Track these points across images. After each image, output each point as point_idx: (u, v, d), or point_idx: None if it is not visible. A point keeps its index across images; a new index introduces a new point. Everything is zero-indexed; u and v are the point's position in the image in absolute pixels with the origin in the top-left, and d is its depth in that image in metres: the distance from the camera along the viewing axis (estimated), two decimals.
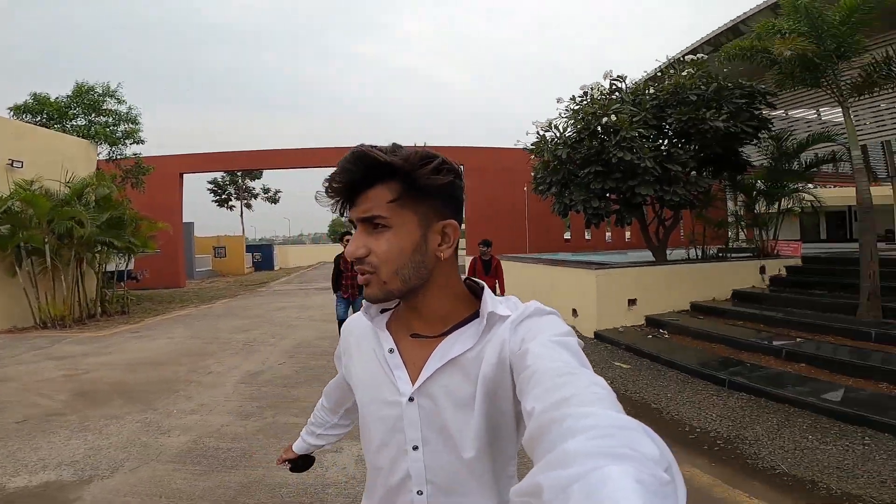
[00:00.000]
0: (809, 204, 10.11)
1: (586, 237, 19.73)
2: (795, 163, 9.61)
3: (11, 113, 12.86)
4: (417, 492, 0.76)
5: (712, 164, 8.70)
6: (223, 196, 33.54)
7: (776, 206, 9.72)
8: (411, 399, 0.75)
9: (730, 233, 11.51)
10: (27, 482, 3.13)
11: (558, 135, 8.41)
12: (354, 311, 6.44)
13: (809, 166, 9.71)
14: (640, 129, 7.51)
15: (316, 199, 0.76)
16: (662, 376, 5.15)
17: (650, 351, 5.91)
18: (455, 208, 0.76)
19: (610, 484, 0.33)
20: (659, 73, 9.73)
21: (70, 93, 13.22)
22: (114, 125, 13.62)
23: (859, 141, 10.81)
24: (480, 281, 0.81)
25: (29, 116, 12.91)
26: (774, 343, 5.37)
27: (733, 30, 10.51)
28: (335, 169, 0.71)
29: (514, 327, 0.71)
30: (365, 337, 0.85)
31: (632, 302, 7.49)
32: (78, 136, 12.86)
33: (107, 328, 9.72)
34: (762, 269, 8.47)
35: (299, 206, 58.53)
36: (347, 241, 6.23)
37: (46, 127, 12.60)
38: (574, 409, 0.46)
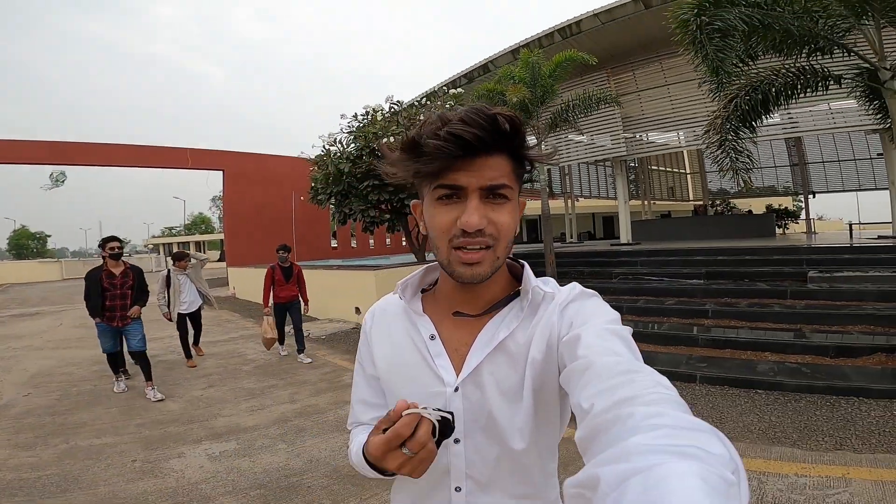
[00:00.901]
0: None
1: (352, 245, 21.04)
2: None
3: None
4: (455, 488, 0.72)
5: None
6: None
7: None
8: (456, 389, 0.71)
9: None
10: None
11: (341, 149, 9.30)
12: (130, 344, 5.06)
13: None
14: None
15: (426, 145, 0.63)
16: None
17: None
18: None
19: (672, 480, 0.32)
20: (427, 101, 11.76)
21: None
22: None
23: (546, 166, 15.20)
24: (521, 260, 0.77)
25: None
26: None
27: (483, 67, 13.48)
28: (463, 119, 0.62)
29: (562, 310, 0.68)
30: (396, 322, 0.80)
31: None
32: None
33: None
34: None
35: None
36: (114, 248, 5.06)
37: None
38: (639, 408, 0.43)
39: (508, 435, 0.69)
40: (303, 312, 6.55)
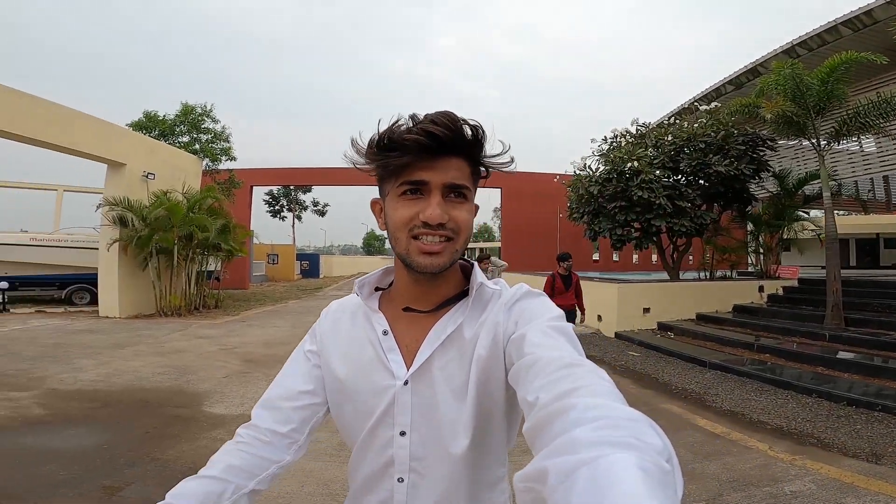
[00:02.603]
0: (813, 232, 11.65)
1: (614, 259, 21.42)
2: (798, 195, 11.16)
3: (130, 129, 15.20)
4: (398, 479, 0.74)
5: (721, 198, 10.43)
6: (276, 207, 37.32)
7: (779, 234, 11.35)
8: (406, 383, 0.73)
9: (749, 258, 13.02)
10: None
11: (591, 173, 10.37)
12: None
13: (808, 200, 11.31)
14: (657, 171, 9.38)
15: (399, 139, 0.68)
16: (663, 360, 7.02)
17: (657, 345, 7.77)
18: None
19: (615, 470, 0.35)
20: (675, 120, 11.55)
21: (177, 112, 16.13)
22: (211, 142, 16.39)
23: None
24: (470, 260, 0.81)
25: (142, 132, 15.21)
26: (751, 341, 7.15)
27: (752, 71, 11.98)
28: (433, 120, 0.68)
29: (508, 309, 0.72)
30: (350, 320, 0.83)
31: (646, 310, 9.33)
32: (185, 152, 15.49)
33: (214, 318, 11.99)
34: (761, 289, 10.11)
35: (334, 219, 61.38)
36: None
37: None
38: (580, 399, 0.46)
39: (453, 431, 0.71)
40: (577, 322, 6.51)
